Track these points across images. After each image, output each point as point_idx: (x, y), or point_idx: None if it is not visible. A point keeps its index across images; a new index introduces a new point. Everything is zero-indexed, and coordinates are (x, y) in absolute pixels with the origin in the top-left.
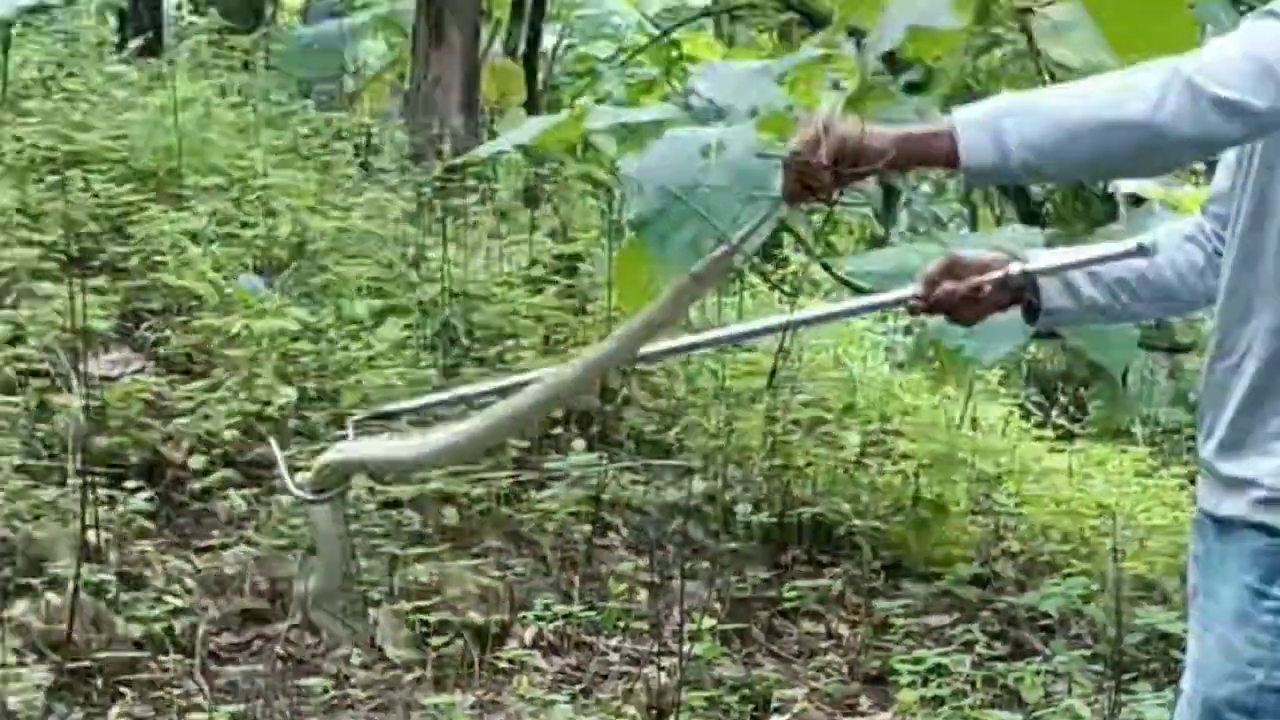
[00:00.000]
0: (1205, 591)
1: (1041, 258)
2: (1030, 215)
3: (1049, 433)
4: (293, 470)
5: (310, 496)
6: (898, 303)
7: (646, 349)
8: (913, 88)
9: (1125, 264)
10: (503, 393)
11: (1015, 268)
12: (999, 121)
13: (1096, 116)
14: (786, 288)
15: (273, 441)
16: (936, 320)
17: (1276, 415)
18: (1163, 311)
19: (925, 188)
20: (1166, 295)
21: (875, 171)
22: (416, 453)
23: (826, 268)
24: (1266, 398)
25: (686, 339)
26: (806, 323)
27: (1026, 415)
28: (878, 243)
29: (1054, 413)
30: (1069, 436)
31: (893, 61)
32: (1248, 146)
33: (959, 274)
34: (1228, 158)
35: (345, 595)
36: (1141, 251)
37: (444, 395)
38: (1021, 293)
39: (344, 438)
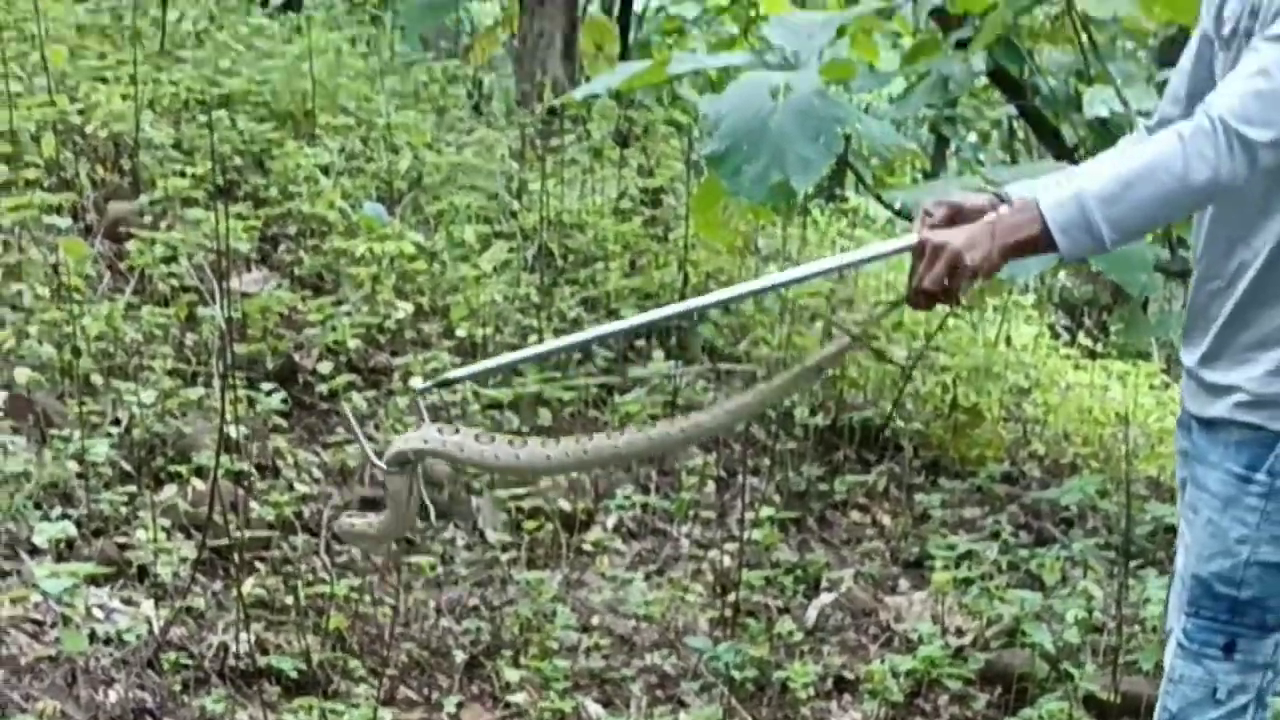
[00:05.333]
0: (1194, 481)
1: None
2: (1065, 154)
3: (1074, 352)
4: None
5: (386, 468)
6: (907, 248)
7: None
8: (960, 44)
9: None
10: (545, 357)
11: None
12: (1089, 217)
13: (1170, 191)
14: (844, 223)
15: (350, 417)
16: None
17: (1253, 330)
18: None
19: (972, 137)
20: None
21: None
22: (492, 459)
23: (883, 202)
24: (1248, 315)
25: (734, 290)
26: (819, 274)
27: (1055, 336)
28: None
29: (1080, 334)
30: (1092, 355)
31: (942, 18)
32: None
33: (958, 220)
34: (1186, 66)
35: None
36: None
37: (495, 361)
38: None
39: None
